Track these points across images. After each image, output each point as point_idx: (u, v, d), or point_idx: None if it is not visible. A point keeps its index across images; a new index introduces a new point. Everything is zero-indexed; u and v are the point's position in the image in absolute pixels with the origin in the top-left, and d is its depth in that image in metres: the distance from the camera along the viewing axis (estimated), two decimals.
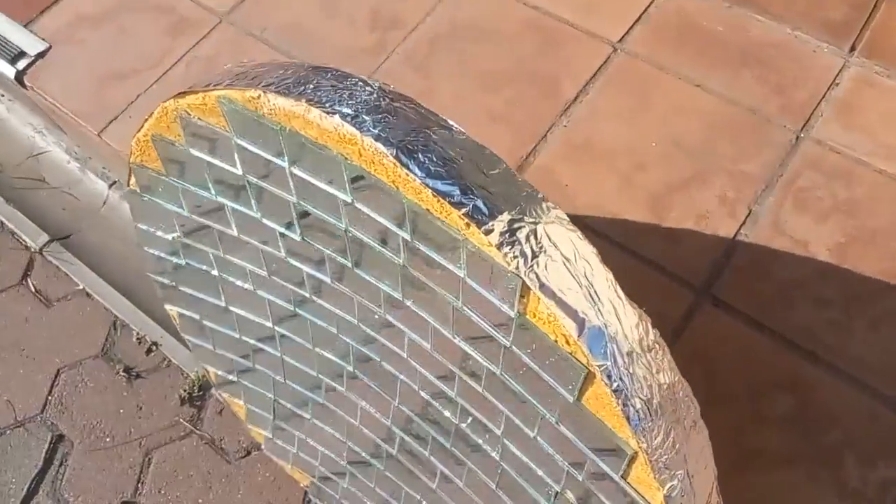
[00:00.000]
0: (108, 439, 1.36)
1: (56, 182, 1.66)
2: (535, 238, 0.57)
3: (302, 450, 1.16)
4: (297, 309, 0.90)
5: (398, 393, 0.87)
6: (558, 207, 0.59)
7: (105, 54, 1.43)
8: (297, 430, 1.13)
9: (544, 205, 0.59)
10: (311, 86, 0.62)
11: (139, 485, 1.31)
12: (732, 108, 1.23)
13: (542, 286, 0.57)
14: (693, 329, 1.04)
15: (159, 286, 1.02)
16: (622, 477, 0.61)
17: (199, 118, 0.74)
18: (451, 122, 0.61)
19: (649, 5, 1.36)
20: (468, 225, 0.57)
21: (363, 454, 1.02)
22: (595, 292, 0.58)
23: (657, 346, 0.61)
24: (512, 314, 0.60)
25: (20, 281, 1.53)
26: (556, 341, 0.59)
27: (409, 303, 0.74)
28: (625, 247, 1.11)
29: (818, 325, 1.03)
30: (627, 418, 0.59)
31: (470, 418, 0.80)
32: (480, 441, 0.81)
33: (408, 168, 0.58)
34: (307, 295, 0.86)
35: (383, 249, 0.69)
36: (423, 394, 0.83)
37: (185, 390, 1.38)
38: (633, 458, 0.60)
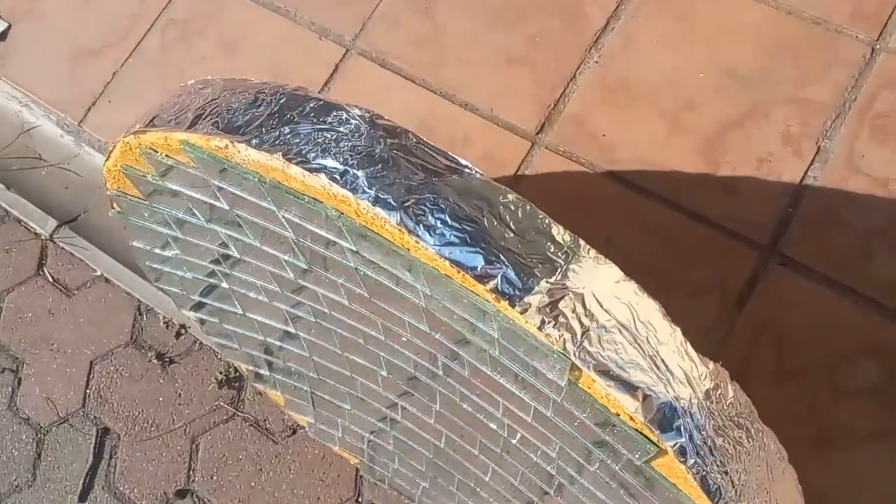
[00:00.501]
0: (152, 429, 1.35)
1: (53, 158, 1.58)
2: (584, 307, 0.47)
3: (347, 434, 1.13)
4: (317, 319, 0.84)
5: (437, 400, 0.81)
6: (606, 259, 0.48)
7: (71, 28, 1.30)
8: (339, 418, 1.10)
9: (588, 256, 0.48)
10: (287, 129, 0.50)
11: (190, 472, 1.31)
12: (792, 19, 1.07)
13: (596, 365, 0.47)
14: (759, 294, 0.94)
15: (171, 295, 0.97)
16: None
17: (166, 155, 0.63)
18: (462, 161, 0.49)
19: None
20: (498, 300, 0.46)
21: (409, 443, 0.99)
22: (662, 361, 0.48)
23: (738, 403, 0.51)
24: (562, 383, 0.51)
25: (36, 272, 1.48)
26: (617, 415, 0.50)
27: (437, 335, 0.66)
28: (675, 203, 1.00)
29: None
30: (707, 493, 0.50)
31: (519, 435, 0.75)
32: (533, 456, 0.75)
33: (416, 235, 0.46)
34: (326, 310, 0.79)
35: (402, 292, 0.60)
36: (464, 406, 0.77)
37: (220, 372, 1.35)
38: None
